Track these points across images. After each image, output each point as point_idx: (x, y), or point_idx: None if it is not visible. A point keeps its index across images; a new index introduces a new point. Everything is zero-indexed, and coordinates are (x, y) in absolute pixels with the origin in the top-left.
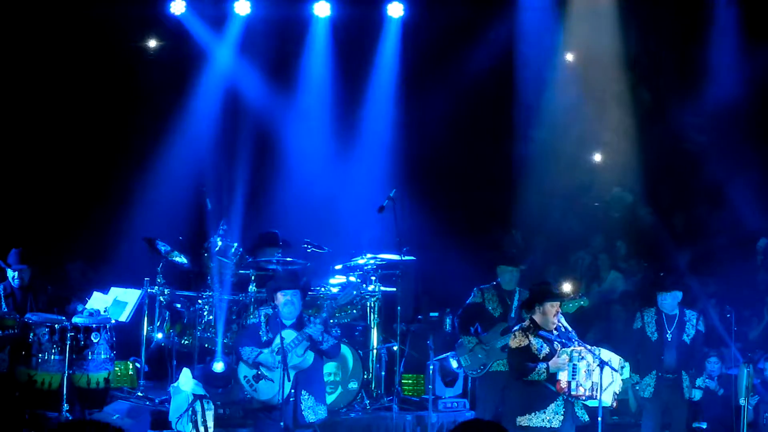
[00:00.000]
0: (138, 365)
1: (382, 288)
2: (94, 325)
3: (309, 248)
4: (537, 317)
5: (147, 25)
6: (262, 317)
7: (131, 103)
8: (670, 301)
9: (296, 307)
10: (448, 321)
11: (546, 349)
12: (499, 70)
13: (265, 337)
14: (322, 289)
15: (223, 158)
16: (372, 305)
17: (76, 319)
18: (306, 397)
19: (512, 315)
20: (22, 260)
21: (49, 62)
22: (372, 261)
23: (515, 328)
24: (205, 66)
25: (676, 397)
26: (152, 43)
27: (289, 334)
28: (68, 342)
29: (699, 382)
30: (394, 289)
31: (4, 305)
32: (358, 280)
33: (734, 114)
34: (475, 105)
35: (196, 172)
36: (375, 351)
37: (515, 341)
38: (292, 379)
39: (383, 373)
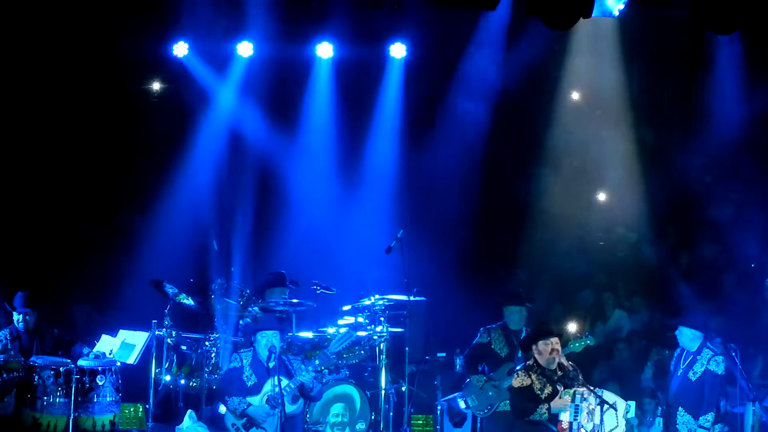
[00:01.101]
0: (151, 408)
1: (390, 329)
2: (99, 368)
3: (318, 289)
4: (537, 357)
5: (150, 67)
6: (244, 361)
7: (135, 146)
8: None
9: (276, 348)
10: (458, 361)
11: (548, 389)
12: (502, 109)
13: (249, 382)
14: (317, 333)
15: (228, 200)
16: (380, 346)
17: (81, 362)
18: None
19: (519, 355)
20: (27, 303)
21: (53, 106)
22: (380, 302)
23: (518, 367)
24: (208, 108)
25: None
26: (156, 86)
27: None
28: (73, 385)
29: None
30: (402, 329)
31: (10, 349)
32: (366, 321)
33: (738, 152)
34: (479, 144)
35: (201, 213)
36: (383, 391)
37: (517, 381)
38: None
39: (392, 414)
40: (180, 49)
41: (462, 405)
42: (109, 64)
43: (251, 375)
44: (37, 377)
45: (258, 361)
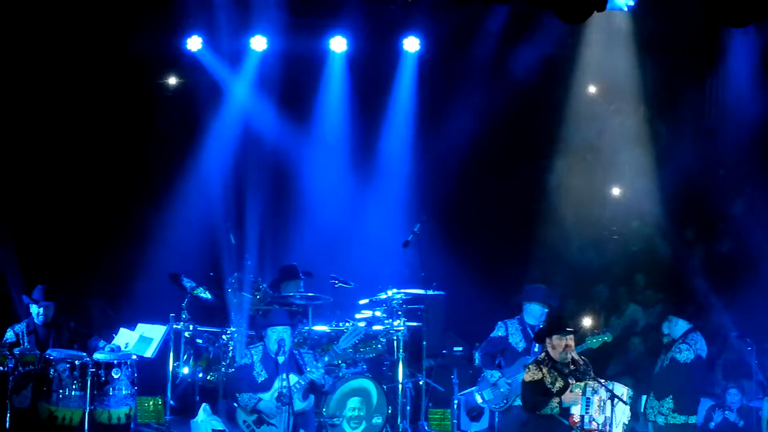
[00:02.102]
0: (170, 401)
1: (408, 323)
2: (115, 361)
3: (336, 283)
4: (550, 350)
5: (164, 62)
6: (254, 357)
7: (150, 140)
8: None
9: (287, 343)
10: (477, 355)
11: (560, 383)
12: (516, 103)
13: (260, 378)
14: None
15: (242, 194)
16: (397, 340)
17: (97, 355)
18: None
19: (535, 349)
20: (47, 296)
21: (69, 101)
22: (398, 296)
23: (529, 361)
24: (222, 102)
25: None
26: (170, 80)
27: (291, 378)
28: (89, 378)
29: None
30: (420, 323)
31: (26, 342)
32: (384, 315)
33: (752, 145)
34: (493, 138)
35: (215, 207)
36: (401, 385)
37: (529, 375)
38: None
39: (408, 408)
40: (194, 43)
41: (478, 399)
42: (124, 59)
43: (262, 371)
44: (52, 370)
45: (268, 356)
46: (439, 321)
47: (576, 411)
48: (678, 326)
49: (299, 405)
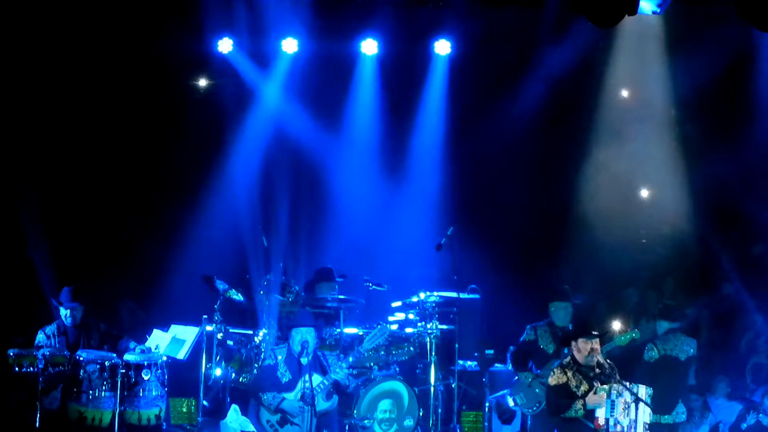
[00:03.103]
0: (204, 403)
1: (440, 326)
2: (145, 363)
3: (370, 286)
4: (575, 354)
5: (195, 64)
6: (278, 358)
7: (181, 142)
8: None
9: (311, 345)
10: (508, 358)
11: (584, 386)
12: (547, 108)
13: (284, 379)
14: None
15: (273, 196)
16: (430, 342)
17: (127, 357)
18: None
19: (566, 351)
20: (74, 298)
21: (101, 102)
22: (431, 298)
23: (554, 365)
24: (253, 104)
25: None
26: (201, 82)
27: (314, 379)
28: (119, 379)
29: None
30: (452, 326)
31: (56, 343)
32: (417, 318)
33: None
34: (523, 142)
35: (246, 210)
36: (432, 388)
37: (554, 378)
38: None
39: (440, 411)
40: (225, 45)
41: (511, 402)
42: (155, 61)
43: (285, 372)
44: (82, 371)
45: (292, 357)
46: (474, 324)
47: (601, 414)
48: (659, 327)
49: (323, 405)
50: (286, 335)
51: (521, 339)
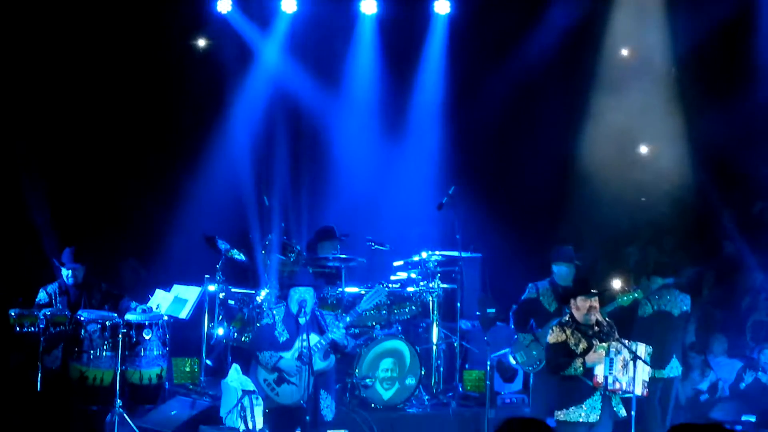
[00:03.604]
0: (207, 362)
1: (442, 285)
2: (146, 322)
3: (373, 245)
4: (574, 312)
5: (194, 23)
6: (276, 317)
7: (180, 102)
8: None
9: (309, 304)
10: (510, 317)
11: (583, 344)
12: (547, 66)
13: (282, 338)
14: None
15: (273, 156)
16: (432, 301)
17: (128, 316)
18: (324, 396)
19: (567, 310)
20: (75, 259)
21: (100, 63)
22: (433, 257)
23: (553, 323)
24: (252, 64)
25: None
26: (199, 42)
27: (311, 338)
28: (120, 339)
29: None
30: (455, 285)
31: (58, 302)
32: (419, 277)
33: None
34: (523, 100)
35: (247, 169)
36: (435, 347)
37: (553, 336)
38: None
39: (442, 369)
40: (223, 5)
41: (512, 361)
42: (153, 22)
43: (283, 331)
44: (83, 331)
45: (290, 316)
46: (476, 283)
47: (599, 371)
48: (653, 283)
49: (320, 365)
50: (285, 294)
51: (523, 297)
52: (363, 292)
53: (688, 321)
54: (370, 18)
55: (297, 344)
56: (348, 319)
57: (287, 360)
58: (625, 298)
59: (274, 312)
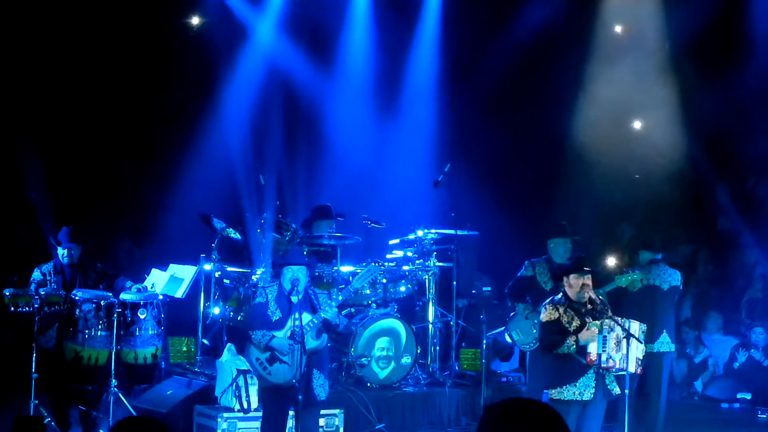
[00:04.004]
0: (204, 341)
1: (439, 263)
2: (141, 301)
3: (369, 224)
4: (567, 290)
5: (188, 2)
6: (269, 296)
7: (175, 80)
8: None
9: (302, 283)
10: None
11: (576, 322)
12: (542, 42)
13: (274, 317)
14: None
15: (268, 135)
16: (428, 280)
17: (123, 296)
18: (317, 375)
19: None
20: (72, 238)
21: (93, 42)
22: (429, 236)
23: (546, 301)
24: (246, 42)
25: None
26: (194, 20)
27: (304, 317)
28: (115, 318)
29: None
30: (451, 264)
31: (53, 282)
32: (415, 255)
33: None
34: (518, 77)
35: (241, 148)
36: (431, 326)
37: (546, 314)
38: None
39: (438, 348)
40: None
41: (508, 339)
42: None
43: (276, 310)
44: (78, 311)
45: (283, 295)
46: (472, 261)
47: (593, 349)
48: (642, 257)
49: (312, 343)
50: (278, 273)
51: (519, 274)
52: (358, 271)
53: (679, 296)
54: None
55: (289, 323)
56: (341, 297)
57: (279, 339)
58: (624, 278)
59: (267, 291)
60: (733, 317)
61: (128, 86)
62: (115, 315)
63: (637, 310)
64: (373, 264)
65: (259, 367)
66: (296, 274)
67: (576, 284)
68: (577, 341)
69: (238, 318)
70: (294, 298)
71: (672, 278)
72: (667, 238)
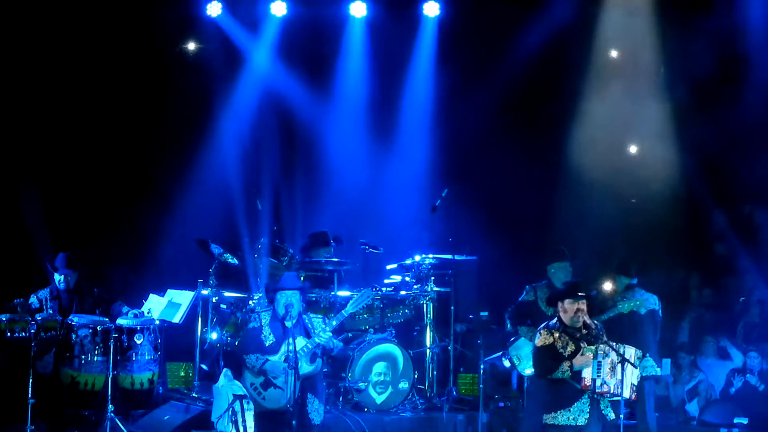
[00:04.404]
0: (203, 367)
1: (436, 288)
2: (138, 327)
3: (367, 249)
4: (561, 314)
5: (184, 27)
6: (263, 320)
7: (171, 106)
8: None
9: (296, 308)
10: (509, 321)
11: (571, 347)
12: (537, 68)
13: (268, 342)
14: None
15: (264, 160)
16: (426, 305)
17: (119, 321)
18: (312, 400)
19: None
20: (69, 264)
21: (88, 66)
22: (427, 260)
23: (541, 326)
24: (242, 68)
25: None
26: (190, 46)
27: (298, 342)
28: (111, 343)
29: None
30: (449, 289)
31: (49, 307)
32: (413, 280)
33: None
34: (513, 102)
35: (238, 173)
36: (428, 351)
37: (540, 339)
38: (299, 385)
39: (435, 373)
40: (213, 8)
41: (506, 364)
42: (144, 26)
43: (270, 334)
44: (74, 336)
45: (277, 320)
46: (471, 286)
47: (587, 374)
48: (618, 284)
49: (306, 368)
50: (272, 298)
51: (520, 299)
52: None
53: (656, 320)
54: (360, 21)
55: (283, 348)
56: (334, 322)
57: (273, 363)
58: (627, 304)
59: (261, 316)
60: (731, 342)
61: (125, 112)
62: (112, 340)
63: (617, 336)
64: (367, 289)
65: (253, 392)
66: (290, 299)
67: (570, 309)
68: (571, 366)
69: (236, 343)
70: (288, 323)
71: (648, 302)
72: (637, 261)
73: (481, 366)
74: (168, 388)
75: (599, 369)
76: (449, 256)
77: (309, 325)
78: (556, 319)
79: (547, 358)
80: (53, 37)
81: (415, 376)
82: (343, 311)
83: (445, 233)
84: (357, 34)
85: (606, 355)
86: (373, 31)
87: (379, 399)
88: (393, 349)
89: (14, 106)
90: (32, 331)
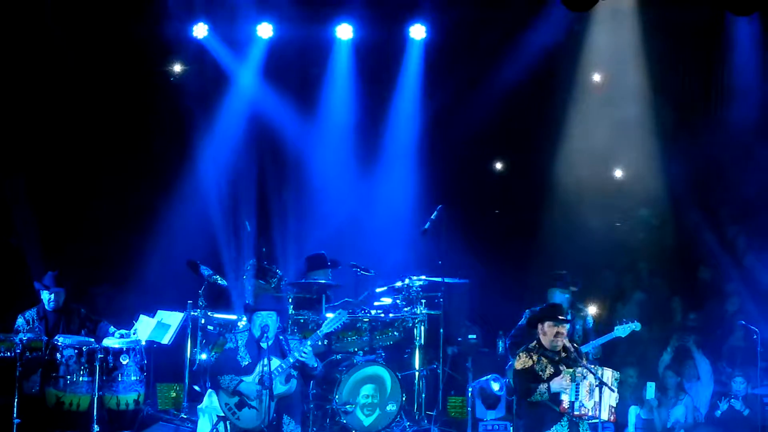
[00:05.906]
0: (195, 388)
1: (426, 311)
2: (123, 347)
3: (358, 271)
4: (541, 337)
5: (170, 49)
6: (239, 341)
7: (157, 128)
8: None
9: (272, 329)
10: (500, 344)
11: (550, 370)
12: (522, 91)
13: (243, 362)
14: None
15: (251, 180)
16: (416, 327)
17: (105, 342)
18: (287, 421)
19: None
20: (58, 283)
21: (74, 87)
22: (417, 283)
23: (520, 349)
24: (228, 89)
25: None
26: (176, 67)
27: (273, 362)
28: (97, 364)
29: None
30: (438, 311)
31: (36, 327)
32: (402, 303)
33: (759, 132)
34: (500, 124)
35: (225, 195)
36: (417, 373)
37: (520, 362)
38: (274, 406)
39: (424, 396)
40: (200, 30)
41: (495, 387)
42: (130, 46)
43: (245, 355)
44: (60, 356)
45: (253, 341)
46: (462, 309)
47: (565, 397)
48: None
49: (280, 389)
50: (249, 318)
51: (520, 323)
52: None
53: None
54: (346, 43)
55: (258, 369)
56: (309, 343)
57: (248, 384)
58: (622, 329)
59: (237, 336)
60: (715, 366)
61: (111, 133)
62: (98, 361)
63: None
64: (341, 310)
65: (228, 412)
66: (265, 320)
67: (550, 332)
68: (549, 389)
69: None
70: (264, 344)
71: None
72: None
73: (469, 389)
74: (158, 408)
75: (577, 391)
76: (439, 279)
77: (285, 346)
78: (535, 341)
79: (525, 380)
80: (39, 56)
81: (404, 398)
82: (318, 331)
83: (435, 256)
84: (343, 56)
85: (584, 377)
86: (359, 54)
87: (367, 421)
88: (381, 371)
89: (3, 128)
90: (17, 351)
